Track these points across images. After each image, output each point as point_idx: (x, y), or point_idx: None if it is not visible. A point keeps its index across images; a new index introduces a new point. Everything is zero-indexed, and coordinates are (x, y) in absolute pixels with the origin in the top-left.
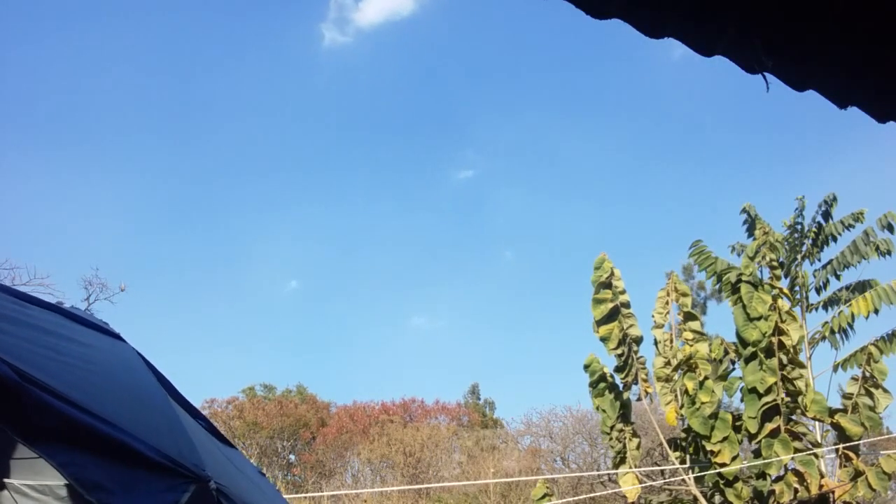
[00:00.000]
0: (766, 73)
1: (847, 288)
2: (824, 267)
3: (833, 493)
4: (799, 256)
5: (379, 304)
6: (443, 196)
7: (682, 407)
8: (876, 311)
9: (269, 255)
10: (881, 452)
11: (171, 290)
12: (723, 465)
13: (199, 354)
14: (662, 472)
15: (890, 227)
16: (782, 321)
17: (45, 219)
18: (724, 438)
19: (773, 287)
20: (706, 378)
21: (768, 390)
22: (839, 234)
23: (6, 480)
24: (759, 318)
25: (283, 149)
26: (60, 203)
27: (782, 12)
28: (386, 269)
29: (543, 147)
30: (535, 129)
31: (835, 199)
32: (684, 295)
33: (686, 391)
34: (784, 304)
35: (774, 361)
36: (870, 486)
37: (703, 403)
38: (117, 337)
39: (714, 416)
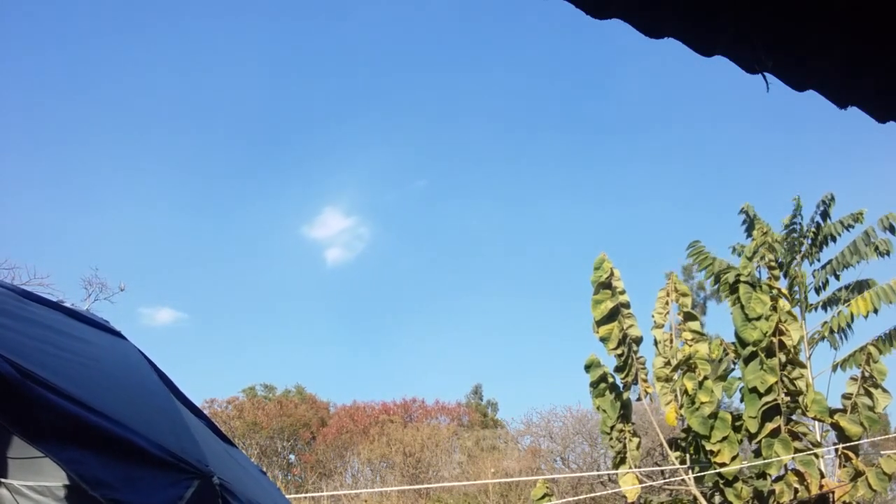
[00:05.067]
0: (766, 73)
1: (846, 288)
2: (823, 267)
3: (833, 493)
4: (799, 256)
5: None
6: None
7: (681, 407)
8: (875, 311)
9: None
10: (882, 452)
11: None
12: (722, 464)
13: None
14: (662, 472)
15: (892, 229)
16: (783, 321)
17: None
18: (724, 438)
19: (771, 287)
20: (705, 378)
21: (769, 390)
22: (839, 234)
23: (4, 481)
24: (757, 319)
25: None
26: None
27: (782, 12)
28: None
29: None
30: None
31: (832, 198)
32: (684, 295)
33: (685, 391)
34: (784, 304)
35: (775, 361)
36: (870, 486)
37: (702, 403)
38: (118, 335)
39: (713, 415)
